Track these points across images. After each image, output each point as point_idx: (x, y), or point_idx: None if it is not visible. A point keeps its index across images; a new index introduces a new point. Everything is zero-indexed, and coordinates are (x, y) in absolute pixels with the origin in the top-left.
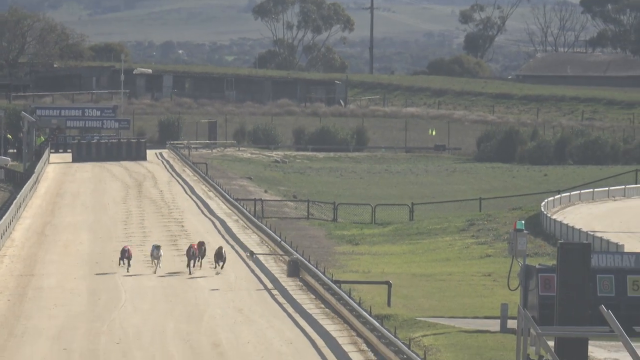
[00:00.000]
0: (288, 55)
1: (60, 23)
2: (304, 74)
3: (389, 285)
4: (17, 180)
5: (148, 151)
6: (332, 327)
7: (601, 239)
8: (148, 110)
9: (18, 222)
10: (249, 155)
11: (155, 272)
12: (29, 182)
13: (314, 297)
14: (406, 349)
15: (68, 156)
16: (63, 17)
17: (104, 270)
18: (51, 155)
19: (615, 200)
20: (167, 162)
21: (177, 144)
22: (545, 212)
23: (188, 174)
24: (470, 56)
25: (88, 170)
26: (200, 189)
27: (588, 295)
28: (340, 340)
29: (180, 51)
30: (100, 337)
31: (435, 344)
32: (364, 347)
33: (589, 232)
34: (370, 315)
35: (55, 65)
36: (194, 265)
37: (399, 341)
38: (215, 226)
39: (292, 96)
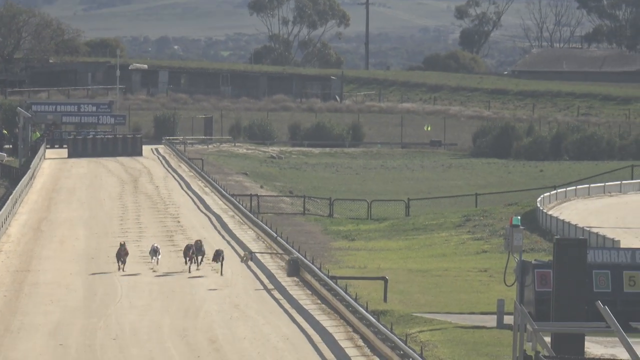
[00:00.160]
0: (283, 50)
1: (55, 18)
2: (299, 69)
3: (385, 281)
4: (13, 176)
5: (144, 147)
6: (328, 323)
7: (597, 234)
8: (144, 105)
9: (14, 218)
10: (244, 150)
11: (153, 270)
12: (24, 177)
13: (310, 293)
14: (403, 344)
15: (64, 152)
16: (58, 13)
17: (100, 265)
18: (47, 150)
19: (611, 195)
20: (163, 157)
21: (172, 139)
22: (541, 208)
23: (184, 170)
24: (466, 52)
25: (84, 165)
26: (196, 184)
27: (584, 291)
28: (336, 336)
29: (176, 46)
30: (96, 333)
31: (432, 340)
32: (360, 342)
33: (585, 228)
34: (366, 311)
35: (50, 61)
36: (193, 263)
37: (395, 337)
38: (212, 222)
39: (288, 92)
